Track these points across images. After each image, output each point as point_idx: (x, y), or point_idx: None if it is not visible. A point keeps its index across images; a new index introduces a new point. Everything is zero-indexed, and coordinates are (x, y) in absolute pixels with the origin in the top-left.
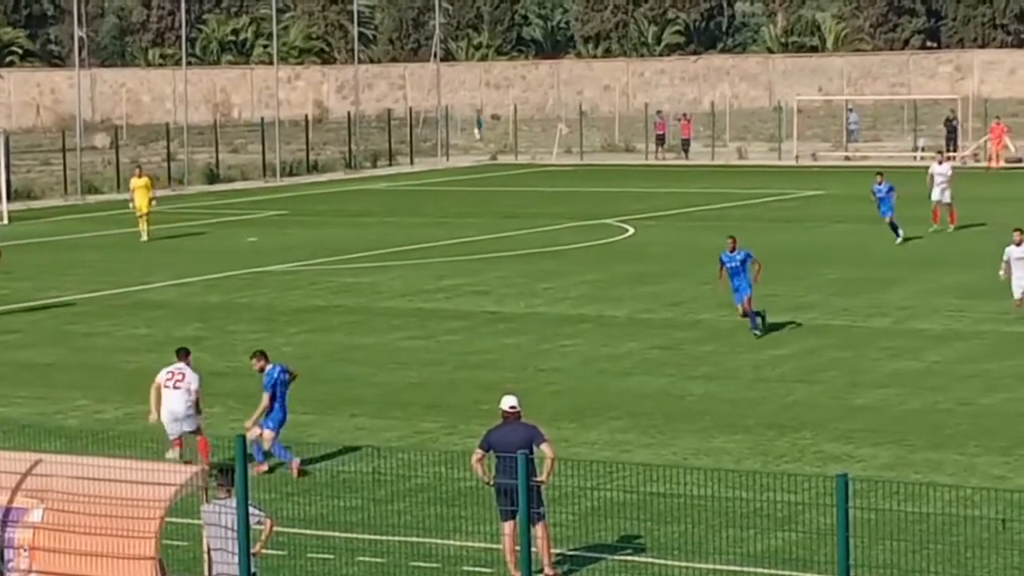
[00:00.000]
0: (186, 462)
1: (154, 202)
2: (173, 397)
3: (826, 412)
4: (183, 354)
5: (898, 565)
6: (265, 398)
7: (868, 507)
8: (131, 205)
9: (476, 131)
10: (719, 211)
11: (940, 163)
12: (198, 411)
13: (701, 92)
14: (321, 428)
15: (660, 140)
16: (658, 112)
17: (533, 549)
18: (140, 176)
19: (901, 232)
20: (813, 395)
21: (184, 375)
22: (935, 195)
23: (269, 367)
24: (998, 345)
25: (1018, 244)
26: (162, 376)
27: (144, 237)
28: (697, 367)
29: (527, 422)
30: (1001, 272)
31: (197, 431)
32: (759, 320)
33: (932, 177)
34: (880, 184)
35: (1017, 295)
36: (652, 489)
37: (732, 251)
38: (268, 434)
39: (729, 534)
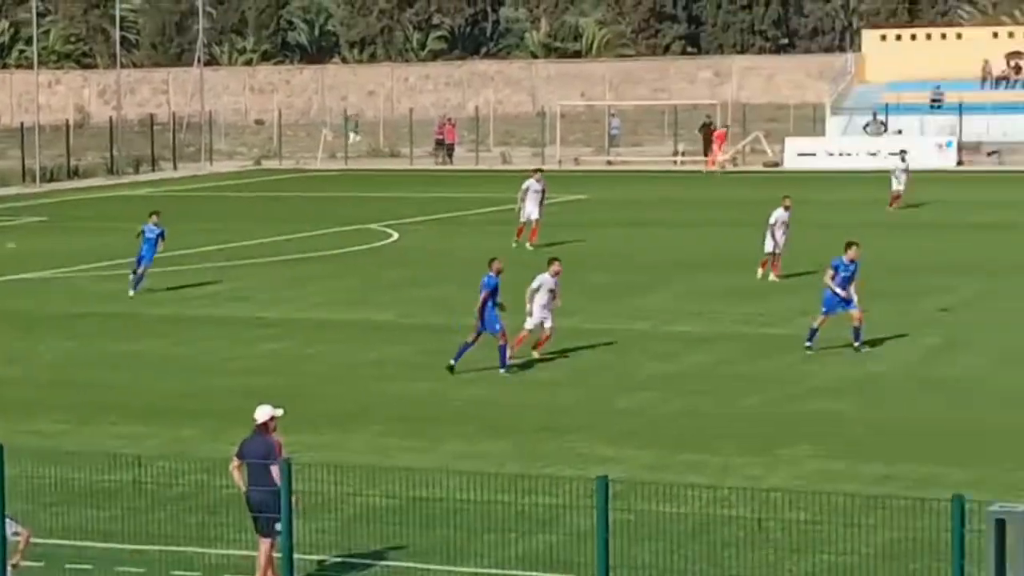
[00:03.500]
0: None
1: None
2: None
3: (589, 415)
4: None
5: (656, 565)
6: None
7: (627, 508)
8: None
9: (352, 135)
10: (484, 215)
11: (537, 180)
12: None
13: (465, 97)
14: (77, 437)
15: (440, 144)
16: (448, 119)
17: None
18: None
19: None
20: (578, 399)
21: None
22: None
23: None
24: (752, 348)
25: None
26: None
27: None
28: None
29: (269, 437)
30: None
31: None
32: None
33: (527, 192)
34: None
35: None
36: (416, 493)
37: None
38: None
39: (489, 539)
